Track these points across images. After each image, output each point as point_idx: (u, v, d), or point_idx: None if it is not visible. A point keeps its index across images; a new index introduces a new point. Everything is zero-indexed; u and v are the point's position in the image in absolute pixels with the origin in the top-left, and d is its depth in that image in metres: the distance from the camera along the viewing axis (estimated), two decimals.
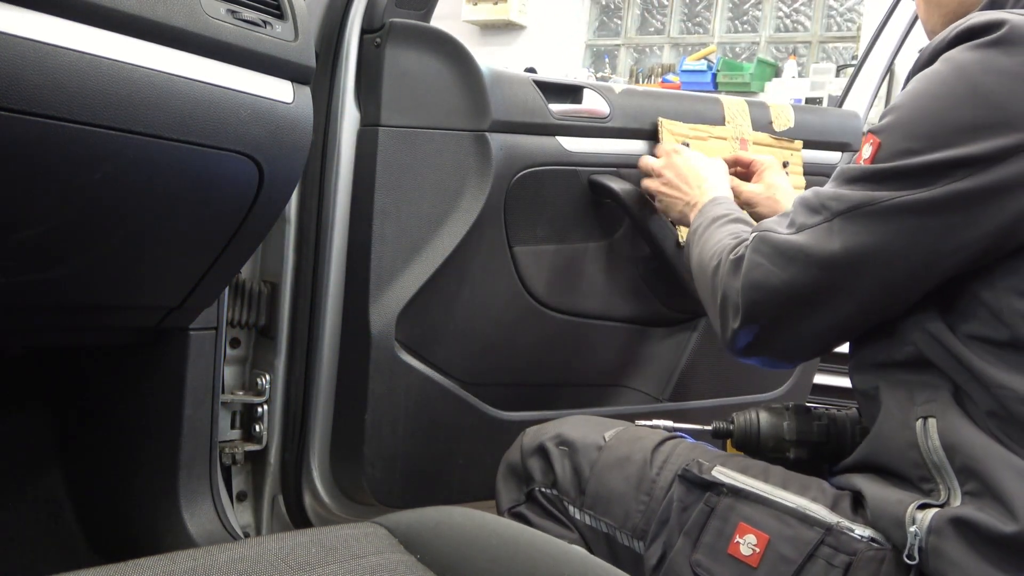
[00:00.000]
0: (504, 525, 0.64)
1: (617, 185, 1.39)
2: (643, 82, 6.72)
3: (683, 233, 1.38)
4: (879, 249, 0.81)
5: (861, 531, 0.82)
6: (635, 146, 1.44)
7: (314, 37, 1.23)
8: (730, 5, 6.75)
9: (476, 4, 6.77)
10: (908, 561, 0.77)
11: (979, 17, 0.81)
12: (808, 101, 5.30)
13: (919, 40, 1.03)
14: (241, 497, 1.35)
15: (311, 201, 1.28)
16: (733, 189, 1.26)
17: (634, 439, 1.01)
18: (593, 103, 1.42)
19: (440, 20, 1.33)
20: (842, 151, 1.67)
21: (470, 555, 0.58)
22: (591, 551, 0.97)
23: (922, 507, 0.78)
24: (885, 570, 0.79)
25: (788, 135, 1.56)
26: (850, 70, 3.89)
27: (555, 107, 1.37)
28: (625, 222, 1.45)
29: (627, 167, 1.42)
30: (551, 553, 0.60)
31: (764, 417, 1.03)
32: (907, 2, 2.11)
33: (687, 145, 1.43)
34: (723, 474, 0.91)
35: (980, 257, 0.79)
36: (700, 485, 0.92)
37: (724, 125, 1.50)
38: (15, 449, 1.24)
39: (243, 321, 1.28)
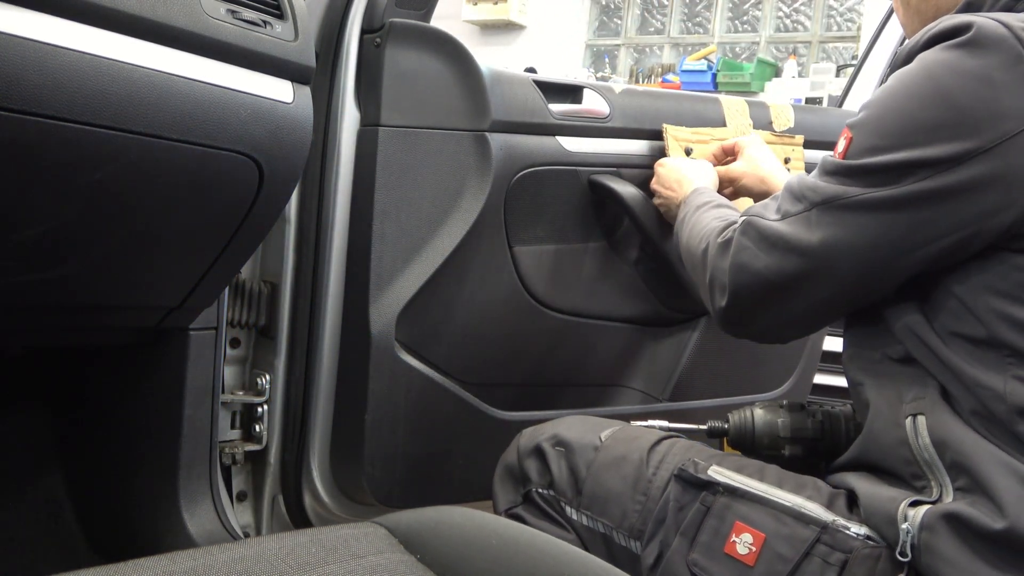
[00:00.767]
0: (504, 525, 0.64)
1: (617, 185, 1.39)
2: (643, 82, 6.72)
3: None
4: (851, 241, 0.84)
5: (857, 529, 0.82)
6: (635, 146, 1.44)
7: (314, 37, 1.23)
8: (730, 5, 6.75)
9: (476, 4, 6.78)
10: (900, 558, 0.77)
11: (951, 20, 0.82)
12: (808, 101, 5.30)
13: None
14: (241, 497, 1.35)
15: (311, 201, 1.28)
16: (719, 174, 1.34)
17: (630, 439, 1.02)
18: (593, 103, 1.42)
19: (440, 20, 1.33)
20: None
21: (470, 555, 0.58)
22: (588, 551, 0.97)
23: (914, 504, 0.78)
24: (881, 568, 0.80)
25: (788, 135, 1.56)
26: (850, 70, 3.89)
27: (555, 107, 1.37)
28: (625, 222, 1.45)
29: (627, 167, 1.42)
30: (551, 553, 0.60)
31: (759, 414, 1.03)
32: None
33: (691, 150, 1.44)
34: (719, 473, 0.92)
35: (949, 254, 0.81)
36: (696, 484, 0.92)
37: (725, 126, 1.51)
38: (15, 449, 1.24)
39: (243, 321, 1.28)
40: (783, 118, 1.57)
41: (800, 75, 5.95)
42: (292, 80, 0.95)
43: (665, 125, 1.44)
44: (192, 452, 1.16)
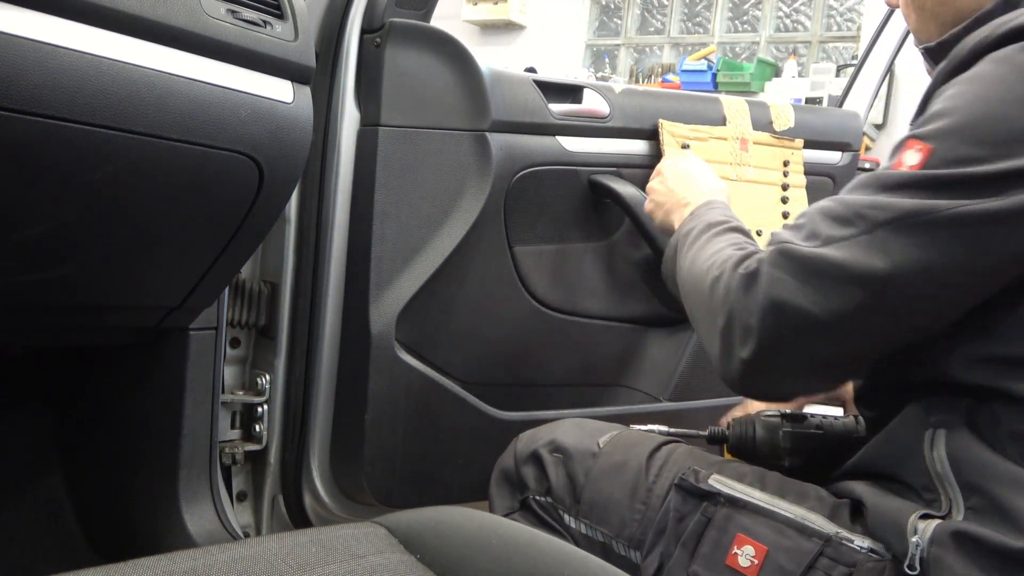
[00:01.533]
0: (504, 525, 0.64)
1: (617, 185, 1.39)
2: (643, 82, 6.72)
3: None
4: (936, 263, 0.73)
5: (861, 541, 0.80)
6: (635, 146, 1.44)
7: (314, 37, 1.23)
8: (730, 5, 6.75)
9: (476, 4, 6.77)
10: (909, 572, 0.75)
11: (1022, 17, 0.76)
12: (808, 101, 5.30)
13: None
14: (241, 497, 1.35)
15: (311, 201, 1.28)
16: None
17: (629, 445, 1.00)
18: (593, 103, 1.42)
19: (440, 20, 1.33)
20: (842, 151, 1.67)
21: (470, 555, 0.58)
22: None
23: (924, 517, 0.76)
24: None
25: (788, 135, 1.56)
26: (850, 70, 3.88)
27: (555, 107, 1.37)
28: (625, 222, 1.45)
29: (627, 167, 1.42)
30: (551, 553, 0.60)
31: (760, 425, 1.02)
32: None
33: (687, 146, 1.44)
34: (720, 483, 0.90)
35: None
36: (696, 495, 0.90)
37: (724, 125, 1.51)
38: (15, 449, 1.24)
39: (243, 321, 1.28)
40: (783, 118, 1.57)
41: (800, 75, 5.95)
42: (292, 80, 0.95)
43: (661, 120, 1.43)
44: (192, 452, 1.16)
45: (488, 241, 1.32)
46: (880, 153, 5.15)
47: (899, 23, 2.18)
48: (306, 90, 0.97)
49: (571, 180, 1.39)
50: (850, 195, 0.79)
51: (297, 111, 0.95)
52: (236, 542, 0.55)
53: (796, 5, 6.54)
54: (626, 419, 1.13)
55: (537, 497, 1.02)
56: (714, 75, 6.11)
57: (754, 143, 1.52)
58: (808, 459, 1.00)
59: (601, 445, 1.01)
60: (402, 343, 1.28)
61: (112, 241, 0.88)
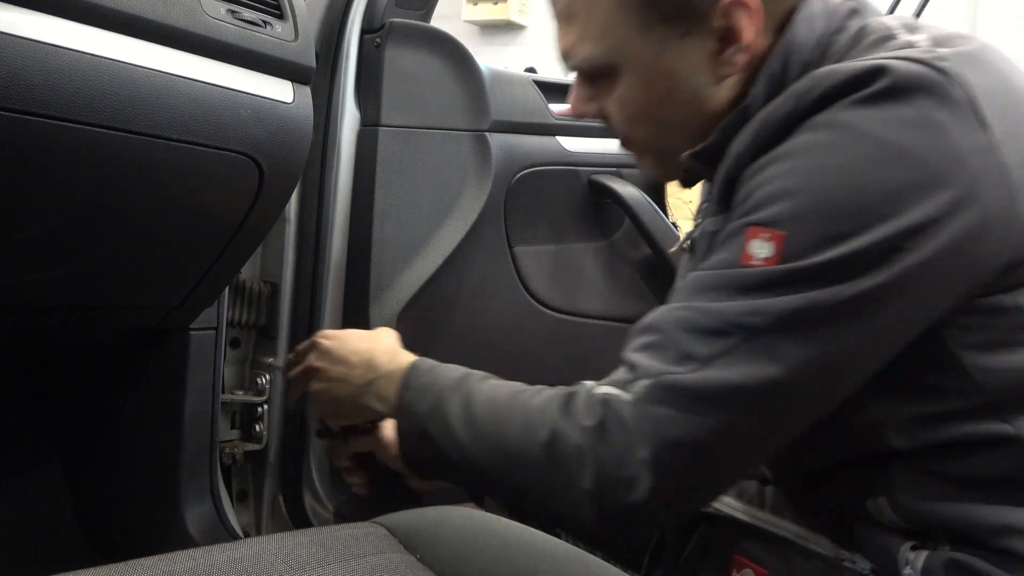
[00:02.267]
0: (504, 525, 0.64)
1: (617, 185, 1.39)
2: None
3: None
4: (830, 355, 0.68)
5: (863, 563, 0.76)
6: None
7: (314, 37, 1.23)
8: None
9: (476, 4, 6.77)
10: None
11: (847, 69, 0.69)
12: None
13: None
14: (241, 497, 1.35)
15: (311, 201, 1.28)
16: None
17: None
18: None
19: (440, 20, 1.33)
20: None
21: (470, 555, 0.58)
22: None
23: (915, 548, 0.74)
24: None
25: None
26: None
27: (555, 107, 1.37)
28: (625, 222, 1.45)
29: (627, 167, 1.42)
30: (551, 553, 0.60)
31: None
32: (907, 2, 2.11)
33: None
34: (719, 501, 0.87)
35: (940, 318, 0.71)
36: (695, 515, 0.86)
37: None
38: (15, 449, 1.24)
39: (243, 321, 1.28)
40: None
41: None
42: (292, 80, 0.95)
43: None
44: (192, 452, 1.16)
45: (488, 241, 1.32)
46: None
47: None
48: (306, 90, 0.97)
49: (571, 180, 1.39)
50: (708, 302, 0.71)
51: (297, 111, 0.95)
52: (236, 542, 0.55)
53: None
54: None
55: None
56: None
57: None
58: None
59: None
60: (402, 343, 1.28)
61: (112, 241, 0.88)
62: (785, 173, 0.69)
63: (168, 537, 1.15)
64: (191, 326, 1.13)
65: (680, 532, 0.88)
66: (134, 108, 0.78)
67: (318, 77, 1.18)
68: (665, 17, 0.77)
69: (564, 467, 0.72)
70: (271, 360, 1.25)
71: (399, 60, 1.26)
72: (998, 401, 0.70)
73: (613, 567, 0.61)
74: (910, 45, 0.72)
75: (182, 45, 0.82)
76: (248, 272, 1.31)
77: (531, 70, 1.70)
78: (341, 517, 1.24)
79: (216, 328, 1.17)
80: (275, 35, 0.92)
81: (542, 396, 0.78)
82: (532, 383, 1.26)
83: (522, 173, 1.34)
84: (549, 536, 0.65)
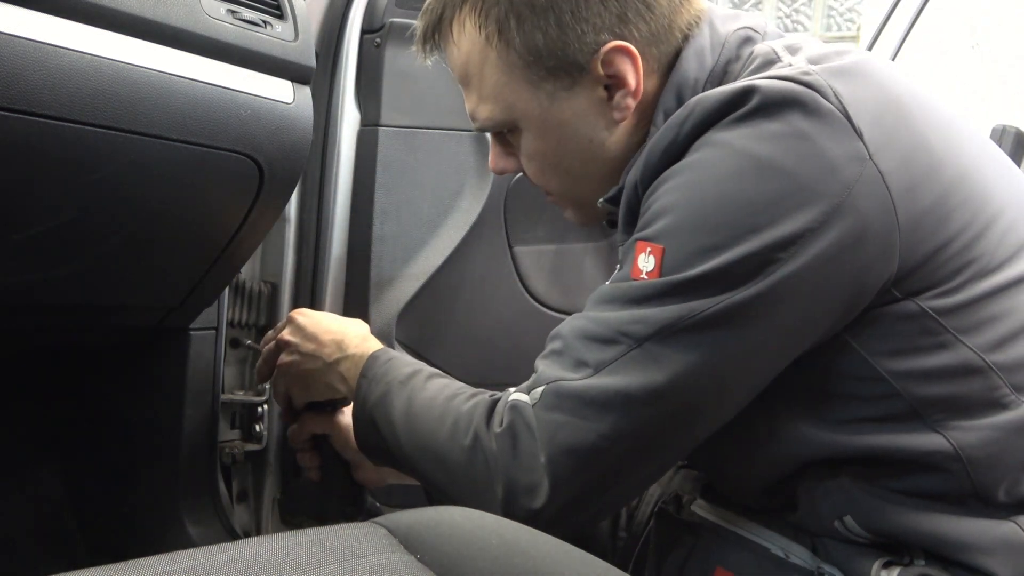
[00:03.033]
0: (504, 525, 0.64)
1: None
2: None
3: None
4: (712, 362, 0.70)
5: None
6: None
7: (314, 37, 1.23)
8: (730, 5, 6.75)
9: None
10: None
11: (719, 93, 0.71)
12: None
13: (919, 41, 1.00)
14: (241, 497, 1.35)
15: (311, 201, 1.28)
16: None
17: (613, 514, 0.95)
18: None
19: None
20: None
21: (470, 555, 0.58)
22: None
23: (888, 564, 0.74)
24: None
25: None
26: None
27: None
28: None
29: None
30: (551, 553, 0.60)
31: None
32: (907, 2, 2.11)
33: None
34: (702, 509, 0.86)
35: (834, 326, 0.72)
36: (677, 525, 0.86)
37: None
38: (14, 449, 1.24)
39: (243, 321, 1.28)
40: None
41: None
42: (292, 80, 0.95)
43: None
44: (192, 452, 1.16)
45: (488, 241, 1.32)
46: None
47: (899, 23, 2.18)
48: (306, 90, 0.97)
49: None
50: (602, 312, 0.74)
51: (297, 111, 0.95)
52: (236, 542, 0.55)
53: (796, 5, 6.54)
54: None
55: None
56: None
57: None
58: None
59: None
60: (402, 343, 1.28)
61: (112, 241, 0.88)
62: (666, 192, 0.72)
63: (168, 537, 1.15)
64: (191, 326, 1.13)
65: (662, 541, 0.87)
66: (134, 108, 0.78)
67: (318, 77, 1.18)
68: (550, 72, 0.80)
69: (480, 472, 0.75)
70: (248, 342, 1.25)
71: (399, 60, 1.26)
72: (921, 406, 0.71)
73: (613, 567, 0.61)
74: (788, 66, 0.74)
75: (182, 45, 0.82)
76: (248, 272, 1.31)
77: None
78: (281, 507, 1.26)
79: (216, 328, 1.17)
80: (275, 35, 0.92)
81: (474, 400, 0.80)
82: None
83: (522, 173, 1.34)
84: (549, 536, 0.65)
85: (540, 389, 0.74)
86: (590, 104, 0.81)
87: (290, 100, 0.94)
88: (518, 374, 1.43)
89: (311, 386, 0.99)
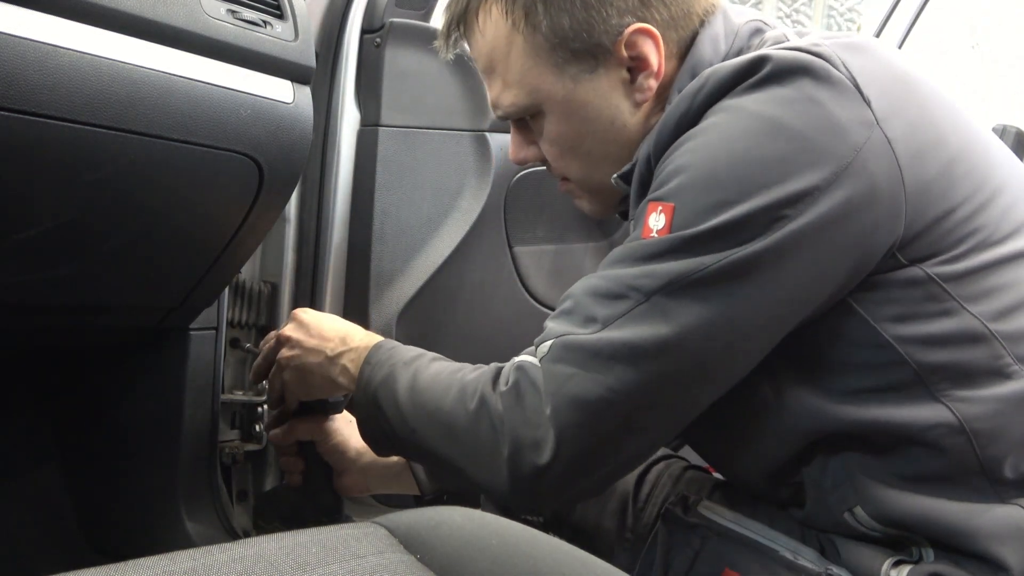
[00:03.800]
0: (504, 525, 0.64)
1: None
2: None
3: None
4: (719, 317, 0.70)
5: None
6: None
7: (314, 37, 1.23)
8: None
9: None
10: None
11: (733, 63, 0.74)
12: None
13: (919, 40, 1.01)
14: (241, 497, 1.35)
15: (311, 201, 1.28)
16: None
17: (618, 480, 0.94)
18: None
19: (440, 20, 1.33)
20: None
21: (470, 555, 0.58)
22: None
23: (897, 563, 0.74)
24: None
25: None
26: None
27: None
28: (625, 222, 1.45)
29: None
30: (551, 553, 0.60)
31: None
32: (907, 2, 2.11)
33: None
34: (709, 510, 0.86)
35: (842, 287, 0.73)
36: (684, 526, 0.86)
37: None
38: (14, 449, 1.24)
39: (243, 321, 1.28)
40: None
41: None
42: (292, 80, 0.95)
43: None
44: (192, 452, 1.16)
45: (488, 241, 1.32)
46: None
47: (899, 23, 2.18)
48: (306, 90, 0.97)
49: None
50: (613, 270, 0.75)
51: (297, 111, 0.95)
52: (236, 542, 0.55)
53: (796, 5, 6.54)
54: None
55: (527, 517, 0.98)
56: None
57: None
58: None
59: None
60: (402, 343, 1.28)
61: (112, 241, 0.88)
62: (679, 155, 0.74)
63: (168, 537, 1.15)
64: (191, 326, 1.13)
65: (669, 542, 0.87)
66: (134, 108, 0.78)
67: (318, 77, 1.19)
68: (575, 55, 0.82)
69: (486, 434, 0.76)
70: (248, 344, 1.25)
71: (399, 60, 1.26)
72: (926, 374, 0.72)
73: (614, 568, 0.61)
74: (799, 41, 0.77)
75: (182, 45, 0.82)
76: (248, 272, 1.31)
77: None
78: (255, 509, 1.26)
79: (216, 328, 1.17)
80: (275, 35, 0.92)
81: (480, 370, 0.82)
82: None
83: (522, 173, 1.34)
84: (550, 536, 0.65)
85: (548, 343, 0.75)
86: (613, 86, 0.84)
87: (290, 100, 0.94)
88: None
89: (310, 381, 0.99)
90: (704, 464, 1.00)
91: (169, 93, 0.81)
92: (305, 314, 1.02)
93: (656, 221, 0.73)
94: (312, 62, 0.97)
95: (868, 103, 0.71)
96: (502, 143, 1.30)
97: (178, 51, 0.82)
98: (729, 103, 0.73)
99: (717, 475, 0.98)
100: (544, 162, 0.92)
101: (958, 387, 0.72)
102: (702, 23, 0.84)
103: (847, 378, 0.75)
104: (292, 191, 1.06)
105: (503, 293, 1.37)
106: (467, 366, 0.85)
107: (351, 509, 1.37)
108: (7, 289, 0.86)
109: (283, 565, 0.52)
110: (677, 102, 0.77)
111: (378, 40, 1.26)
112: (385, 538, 0.59)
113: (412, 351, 0.90)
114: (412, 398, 0.83)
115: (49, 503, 1.25)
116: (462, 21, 0.87)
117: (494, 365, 0.82)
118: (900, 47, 1.95)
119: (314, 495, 1.11)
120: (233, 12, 0.87)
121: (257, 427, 1.31)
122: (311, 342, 0.98)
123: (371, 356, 0.90)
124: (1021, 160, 0.85)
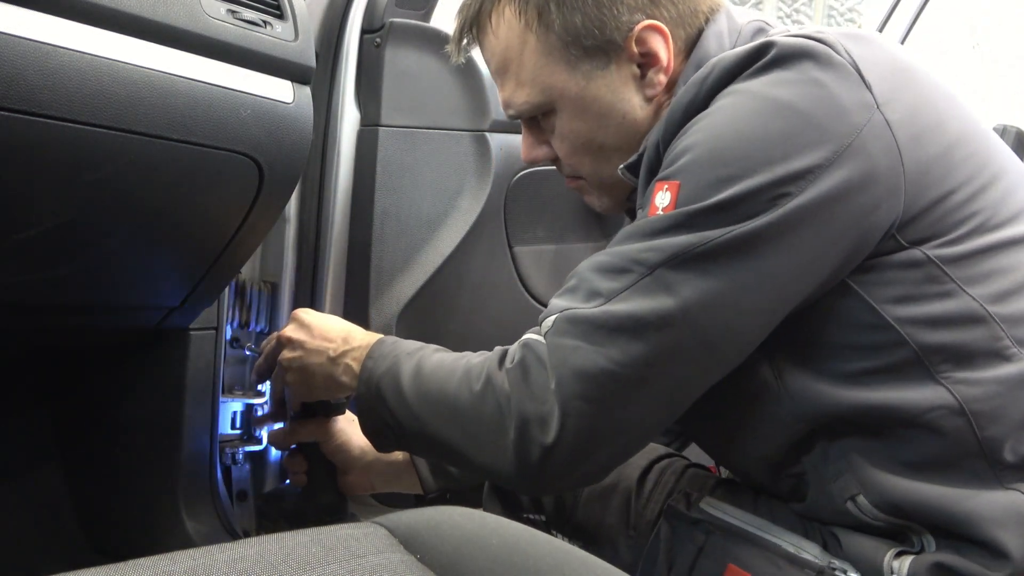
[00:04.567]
0: (504, 525, 0.64)
1: None
2: None
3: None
4: (723, 290, 0.71)
5: (852, 572, 0.78)
6: None
7: (314, 37, 1.23)
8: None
9: None
10: None
11: (738, 50, 0.76)
12: None
13: (919, 40, 1.01)
14: (241, 497, 1.35)
15: (311, 201, 1.28)
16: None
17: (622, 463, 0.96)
18: None
19: (440, 20, 1.34)
20: None
21: (470, 555, 0.58)
22: None
23: (899, 554, 0.75)
24: None
25: None
26: None
27: None
28: (625, 222, 1.45)
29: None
30: (551, 553, 0.60)
31: None
32: (907, 2, 2.11)
33: None
34: (711, 507, 0.87)
35: (838, 272, 0.74)
36: (687, 522, 0.87)
37: None
38: (15, 449, 1.24)
39: (243, 321, 1.28)
40: None
41: None
42: (292, 80, 0.95)
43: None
44: (192, 452, 1.16)
45: (488, 241, 1.32)
46: None
47: (899, 23, 2.18)
48: (306, 90, 0.97)
49: None
50: (619, 246, 0.76)
51: (297, 111, 0.95)
52: (236, 542, 0.55)
53: (796, 5, 6.54)
54: None
55: (530, 515, 1.00)
56: None
57: None
58: None
59: None
60: None
61: (112, 241, 0.88)
62: (687, 137, 0.76)
63: (168, 537, 1.15)
64: (191, 326, 1.13)
65: (673, 539, 0.88)
66: (134, 108, 0.78)
67: (318, 77, 1.19)
68: (587, 53, 0.84)
69: (492, 415, 0.76)
70: (249, 344, 1.25)
71: (399, 60, 1.26)
72: (926, 355, 0.73)
73: (614, 568, 0.61)
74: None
75: (182, 45, 0.82)
76: (248, 272, 1.31)
77: None
78: (259, 509, 1.26)
79: (216, 328, 1.17)
80: (275, 35, 0.92)
81: (486, 354, 0.83)
82: None
83: (522, 173, 1.34)
84: (550, 536, 0.65)
85: (552, 318, 0.76)
86: (624, 81, 0.86)
87: (290, 100, 0.94)
88: None
89: (313, 383, 0.99)
90: (706, 463, 1.00)
91: (169, 93, 0.81)
92: (306, 315, 1.02)
93: (662, 199, 0.74)
94: (312, 62, 0.97)
95: (869, 87, 0.73)
96: (502, 143, 1.30)
97: (178, 51, 0.82)
98: (736, 87, 0.75)
99: (719, 473, 0.99)
100: (554, 161, 0.93)
101: (958, 368, 0.73)
102: (707, 21, 0.86)
103: (847, 360, 0.75)
104: (292, 191, 1.06)
105: (503, 293, 1.37)
106: (471, 353, 0.86)
107: (354, 508, 1.37)
108: (7, 289, 0.86)
109: (283, 565, 0.52)
110: (685, 90, 0.79)
111: (378, 40, 1.27)
112: (385, 538, 0.59)
113: (415, 344, 0.91)
114: (416, 384, 0.84)
115: (49, 503, 1.24)
116: (475, 24, 0.89)
117: (499, 348, 0.82)
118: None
119: (318, 494, 1.11)
120: (233, 12, 0.87)
121: (257, 427, 1.31)
122: (313, 343, 0.98)
123: (374, 351, 0.91)
124: (1021, 160, 0.86)
